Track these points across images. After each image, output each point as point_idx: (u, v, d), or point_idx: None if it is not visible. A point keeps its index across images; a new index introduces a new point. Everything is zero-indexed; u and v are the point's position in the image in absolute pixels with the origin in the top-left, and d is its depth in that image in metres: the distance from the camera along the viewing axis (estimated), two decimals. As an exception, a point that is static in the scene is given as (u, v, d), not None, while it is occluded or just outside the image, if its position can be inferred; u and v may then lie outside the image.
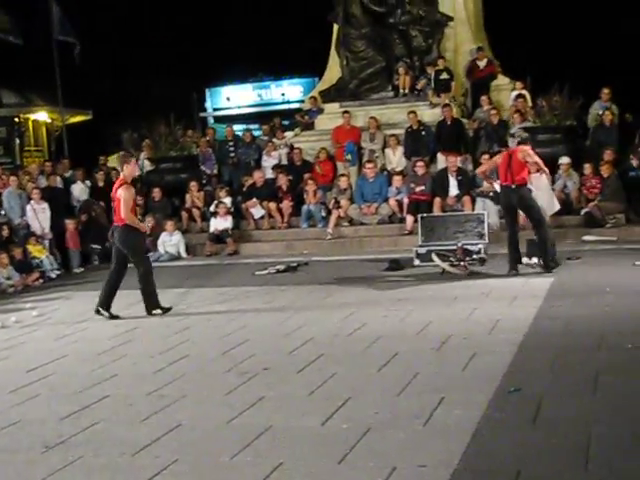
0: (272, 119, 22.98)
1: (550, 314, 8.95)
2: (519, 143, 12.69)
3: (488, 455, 4.98)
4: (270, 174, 19.12)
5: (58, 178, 19.07)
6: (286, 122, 23.10)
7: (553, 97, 17.11)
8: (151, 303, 10.64)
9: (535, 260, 12.67)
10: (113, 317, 10.55)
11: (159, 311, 10.62)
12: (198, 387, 6.95)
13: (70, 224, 16.82)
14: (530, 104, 18.67)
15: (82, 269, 16.46)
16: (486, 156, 16.91)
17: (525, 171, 12.08)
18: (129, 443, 5.57)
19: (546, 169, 12.54)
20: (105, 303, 10.69)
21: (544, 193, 12.62)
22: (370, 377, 6.89)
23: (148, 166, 20.30)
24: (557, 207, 13.28)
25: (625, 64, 25.50)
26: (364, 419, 5.74)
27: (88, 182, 19.33)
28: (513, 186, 11.93)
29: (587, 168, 16.28)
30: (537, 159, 12.27)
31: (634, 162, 16.39)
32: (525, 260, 12.76)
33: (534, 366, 6.89)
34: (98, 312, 10.66)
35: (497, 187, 13.64)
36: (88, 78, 28.73)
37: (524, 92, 19.08)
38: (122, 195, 10.49)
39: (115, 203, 10.73)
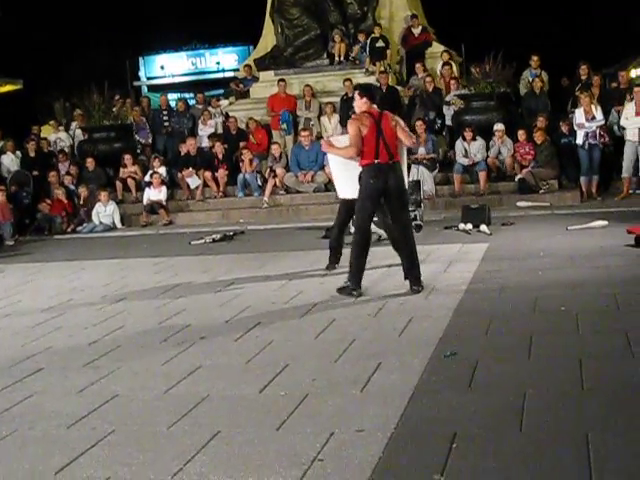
0: (209, 87, 22.78)
1: (485, 279, 9.05)
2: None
3: (425, 418, 5.01)
4: (206, 143, 18.99)
5: (-14, 149, 18.73)
6: (220, 90, 22.92)
7: (487, 64, 17.23)
8: None
9: (470, 226, 12.81)
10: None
11: None
12: (134, 358, 6.88)
13: (0, 195, 16.48)
14: (456, 73, 18.81)
15: (14, 241, 16.18)
16: (420, 122, 17.02)
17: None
18: (65, 415, 5.50)
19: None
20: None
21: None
22: (307, 344, 6.89)
23: (80, 136, 20.01)
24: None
25: (558, 29, 25.81)
26: (301, 386, 5.74)
27: (18, 153, 19.00)
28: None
29: (521, 135, 16.47)
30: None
31: (564, 128, 16.60)
32: (461, 226, 12.91)
33: (469, 330, 6.96)
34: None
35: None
36: (18, 46, 28.13)
37: (451, 62, 19.21)
38: None
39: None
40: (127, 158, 18.46)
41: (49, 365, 6.83)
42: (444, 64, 18.90)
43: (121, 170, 18.55)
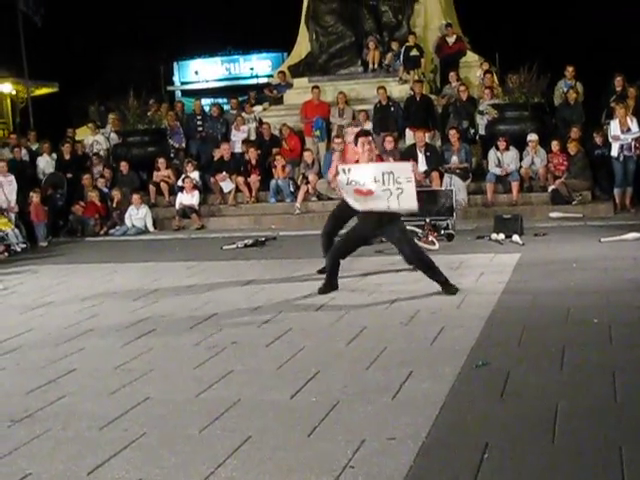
0: (243, 93, 22.87)
1: (517, 289, 9.02)
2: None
3: (456, 428, 5.00)
4: (238, 148, 19.06)
5: (24, 150, 18.90)
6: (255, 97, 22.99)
7: (521, 74, 17.16)
8: None
9: (502, 236, 12.77)
10: None
11: None
12: (166, 361, 6.92)
13: (34, 197, 16.64)
14: (497, 81, 18.75)
15: (47, 242, 16.33)
16: (453, 131, 16.99)
17: None
18: (97, 416, 5.54)
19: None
20: None
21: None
22: (339, 351, 6.90)
23: (115, 139, 20.16)
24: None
25: (593, 40, 25.68)
26: (333, 393, 5.75)
27: (54, 155, 19.17)
28: None
29: (554, 145, 16.39)
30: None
31: (598, 140, 16.51)
32: (493, 236, 12.88)
33: (501, 340, 6.93)
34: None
35: None
36: (54, 50, 28.41)
37: (492, 69, 19.18)
38: None
39: None
40: (161, 162, 18.56)
41: (82, 366, 6.88)
42: (485, 72, 18.83)
43: (154, 174, 18.65)
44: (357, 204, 9.10)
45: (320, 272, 10.17)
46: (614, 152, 15.68)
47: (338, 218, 10.55)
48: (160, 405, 5.75)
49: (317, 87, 19.52)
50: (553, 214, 15.34)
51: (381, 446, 4.76)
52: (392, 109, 18.60)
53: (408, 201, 8.89)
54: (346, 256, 9.48)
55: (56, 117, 25.04)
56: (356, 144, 9.27)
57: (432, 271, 9.03)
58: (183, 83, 37.45)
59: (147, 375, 6.50)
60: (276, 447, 4.85)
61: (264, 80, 28.28)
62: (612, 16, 26.18)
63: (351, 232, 9.45)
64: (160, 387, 6.17)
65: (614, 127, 15.72)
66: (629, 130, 15.59)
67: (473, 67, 19.96)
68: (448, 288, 8.93)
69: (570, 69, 18.23)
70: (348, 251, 9.47)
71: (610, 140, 15.81)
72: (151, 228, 17.38)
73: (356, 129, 10.43)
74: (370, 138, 9.30)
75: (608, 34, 26.57)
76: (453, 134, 16.91)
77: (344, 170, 9.02)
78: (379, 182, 8.83)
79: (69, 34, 29.14)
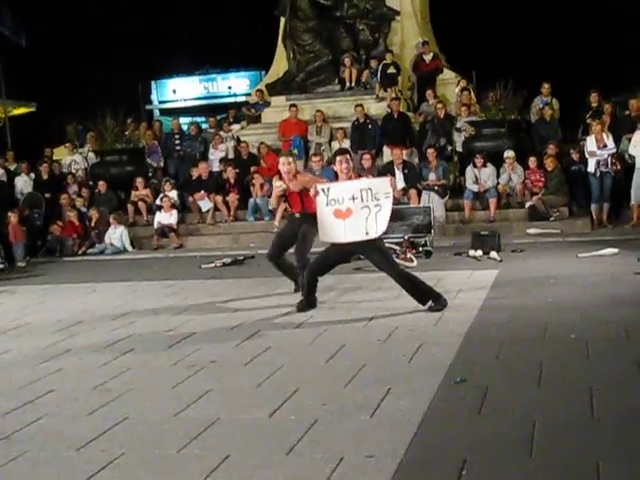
0: (221, 111, 22.88)
1: (495, 305, 9.06)
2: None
3: (434, 445, 5.01)
4: (217, 167, 19.07)
5: (1, 170, 18.84)
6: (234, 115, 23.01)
7: (498, 91, 17.28)
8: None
9: (480, 252, 12.83)
10: None
11: None
12: (144, 380, 6.90)
13: (12, 217, 16.57)
14: (474, 98, 18.87)
15: (25, 263, 16.26)
16: (431, 150, 17.08)
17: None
18: (75, 437, 5.52)
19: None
20: None
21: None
22: (318, 369, 6.90)
23: (93, 158, 20.12)
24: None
25: (568, 57, 25.89)
26: (312, 411, 5.75)
27: (32, 175, 19.12)
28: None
29: (532, 162, 16.51)
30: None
31: (574, 156, 16.63)
32: (471, 252, 12.93)
33: (479, 357, 6.96)
34: None
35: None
36: (32, 69, 28.33)
37: (469, 87, 19.30)
38: None
39: None
40: (139, 181, 18.54)
41: (60, 387, 6.85)
42: (463, 90, 18.95)
43: (132, 193, 18.63)
44: (332, 233, 9.02)
45: (296, 291, 10.18)
46: (591, 168, 15.80)
47: (282, 239, 10.48)
48: (138, 425, 5.73)
49: (295, 105, 19.59)
50: (530, 230, 15.43)
51: (360, 463, 4.76)
52: (370, 127, 18.68)
53: (385, 221, 8.88)
54: (324, 274, 9.49)
55: (34, 137, 24.94)
56: (334, 163, 9.28)
57: (415, 290, 8.99)
58: (161, 102, 37.39)
59: (125, 395, 6.47)
60: (255, 466, 4.84)
61: (242, 98, 28.29)
62: (587, 33, 26.40)
63: (330, 250, 9.44)
64: (138, 407, 6.15)
65: (590, 143, 15.83)
66: (605, 146, 15.71)
67: (450, 84, 20.08)
68: (432, 306, 8.92)
69: (546, 86, 18.37)
70: (326, 269, 9.48)
71: (586, 156, 15.93)
72: (129, 247, 17.35)
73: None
74: (347, 156, 9.32)
75: (583, 50, 26.79)
76: (431, 152, 16.99)
77: (323, 190, 9.01)
78: (357, 199, 8.85)
79: (47, 54, 29.07)
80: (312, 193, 9.10)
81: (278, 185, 9.94)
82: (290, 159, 9.98)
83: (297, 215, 10.05)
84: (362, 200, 8.82)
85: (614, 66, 25.23)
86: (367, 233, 8.85)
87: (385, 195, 8.86)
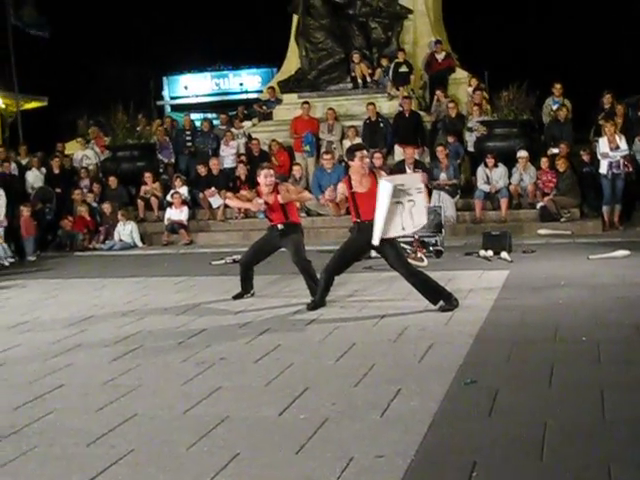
0: (232, 108, 22.88)
1: (506, 306, 9.03)
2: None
3: (444, 446, 5.00)
4: (227, 164, 19.07)
5: (13, 165, 18.86)
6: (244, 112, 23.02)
7: (511, 91, 17.24)
8: None
9: (491, 253, 12.80)
10: None
11: None
12: (154, 377, 6.90)
13: (24, 211, 16.61)
14: (487, 97, 18.82)
15: (35, 257, 16.29)
16: (441, 148, 17.03)
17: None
18: (84, 433, 5.51)
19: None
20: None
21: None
22: (328, 367, 6.89)
23: (99, 154, 20.14)
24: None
25: (581, 58, 25.83)
26: (321, 410, 5.73)
27: (43, 169, 19.14)
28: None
29: (543, 162, 16.46)
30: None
31: (586, 157, 16.57)
32: (482, 252, 12.89)
33: (490, 358, 6.94)
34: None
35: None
36: (44, 64, 28.40)
37: (482, 86, 19.24)
38: None
39: None
40: (147, 176, 18.54)
41: (69, 382, 6.85)
42: (475, 89, 18.87)
43: (142, 188, 18.64)
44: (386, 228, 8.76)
45: (235, 298, 10.24)
46: (603, 170, 15.74)
47: (259, 250, 10.44)
48: (148, 421, 5.72)
49: (307, 103, 19.56)
50: (541, 231, 15.38)
51: (370, 463, 4.75)
52: (381, 125, 18.64)
53: (420, 215, 8.80)
54: (341, 272, 9.44)
55: (45, 131, 25.01)
56: (352, 159, 9.12)
57: (427, 289, 8.95)
58: (172, 98, 37.48)
59: (135, 391, 6.47)
60: (264, 464, 4.83)
61: (253, 95, 28.31)
62: (601, 33, 26.35)
63: (347, 248, 9.33)
64: (148, 403, 6.14)
65: (603, 145, 15.77)
66: (618, 148, 15.65)
67: (462, 84, 20.02)
68: (443, 306, 8.88)
69: (558, 86, 18.29)
70: (344, 267, 9.42)
71: (599, 157, 15.87)
72: (139, 243, 17.36)
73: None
74: (366, 152, 9.20)
75: (597, 51, 26.73)
76: (441, 150, 16.95)
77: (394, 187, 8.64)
78: (391, 195, 8.73)
79: (59, 49, 29.13)
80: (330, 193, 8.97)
81: (260, 202, 9.93)
82: (272, 172, 9.93)
83: (280, 227, 9.99)
84: (395, 196, 8.70)
85: (626, 67, 25.15)
86: (403, 228, 8.81)
87: (417, 190, 8.77)
